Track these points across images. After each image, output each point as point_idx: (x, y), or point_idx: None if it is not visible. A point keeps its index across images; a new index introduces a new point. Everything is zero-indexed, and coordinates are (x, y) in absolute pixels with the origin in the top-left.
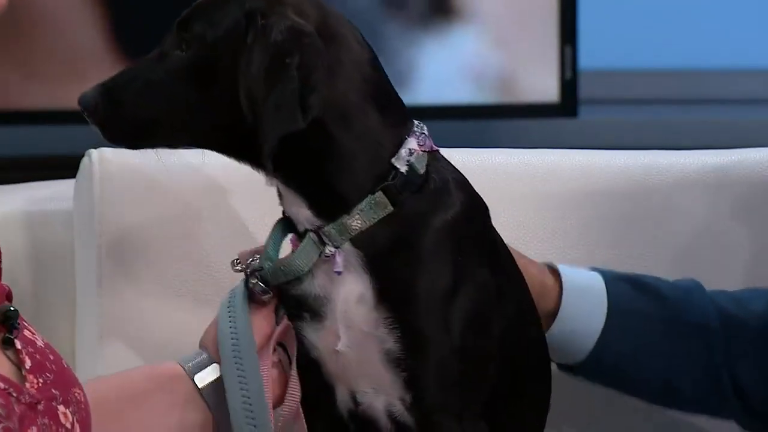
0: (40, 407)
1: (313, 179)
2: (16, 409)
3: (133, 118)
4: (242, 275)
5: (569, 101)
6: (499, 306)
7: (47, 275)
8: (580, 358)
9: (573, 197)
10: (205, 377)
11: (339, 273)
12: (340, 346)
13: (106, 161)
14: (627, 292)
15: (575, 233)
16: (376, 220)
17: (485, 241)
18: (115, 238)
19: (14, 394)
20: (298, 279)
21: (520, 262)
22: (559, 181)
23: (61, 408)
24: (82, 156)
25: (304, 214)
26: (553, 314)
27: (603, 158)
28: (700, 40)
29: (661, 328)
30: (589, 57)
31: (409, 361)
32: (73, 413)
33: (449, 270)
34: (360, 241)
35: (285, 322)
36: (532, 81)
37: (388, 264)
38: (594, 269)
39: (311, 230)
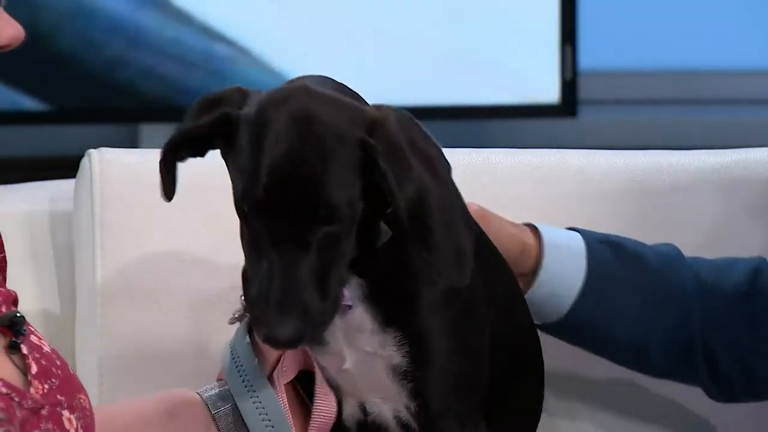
0: (43, 412)
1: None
2: (17, 413)
3: (332, 300)
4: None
5: (569, 101)
6: (487, 301)
7: (47, 275)
8: (556, 317)
9: (573, 197)
10: (220, 406)
11: (350, 307)
12: (346, 365)
13: (106, 161)
14: (607, 254)
15: None
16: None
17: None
18: (114, 238)
19: (16, 399)
20: None
21: (498, 223)
22: (558, 182)
23: (66, 413)
24: (82, 156)
25: None
26: (533, 273)
27: (603, 158)
28: (700, 40)
29: (639, 293)
30: (589, 57)
31: (416, 373)
32: (78, 419)
33: None
34: (361, 269)
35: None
36: (532, 81)
37: (386, 285)
38: (574, 229)
39: None
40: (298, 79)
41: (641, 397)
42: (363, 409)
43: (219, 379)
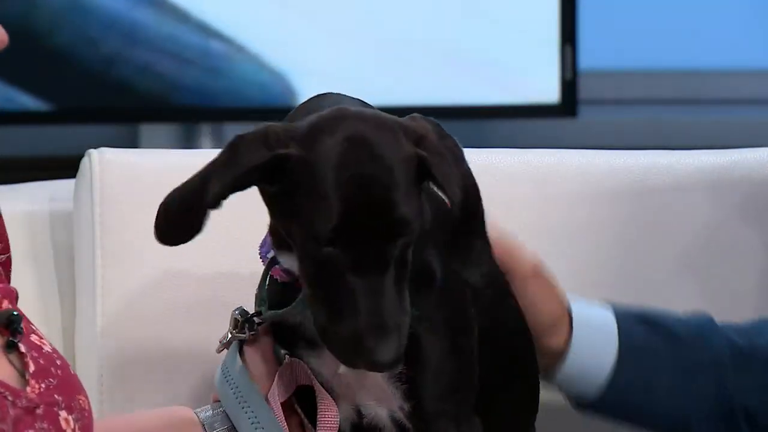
0: (38, 411)
1: None
2: (10, 412)
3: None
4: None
5: (569, 101)
6: (474, 301)
7: (47, 275)
8: (590, 395)
9: (573, 197)
10: (216, 427)
11: None
12: (341, 369)
13: (106, 161)
14: (638, 328)
15: (575, 233)
16: None
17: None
18: (115, 238)
19: (10, 398)
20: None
21: (543, 290)
22: (559, 182)
23: (63, 414)
24: (82, 156)
25: None
26: (564, 351)
27: (603, 158)
28: (700, 40)
29: (673, 367)
30: (589, 57)
31: (411, 374)
32: (75, 420)
33: (437, 277)
34: None
35: (288, 362)
36: (532, 81)
37: None
38: (605, 303)
39: None
40: (318, 98)
41: None
42: (358, 412)
43: (215, 401)
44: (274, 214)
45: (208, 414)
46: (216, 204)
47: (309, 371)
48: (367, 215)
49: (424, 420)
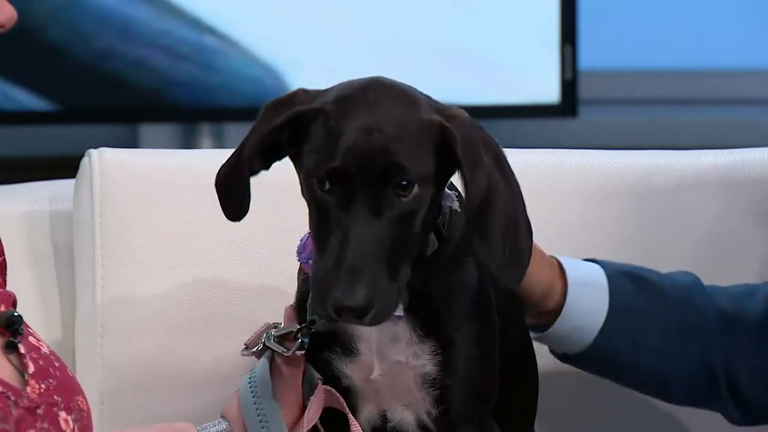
0: (39, 411)
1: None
2: (13, 412)
3: (399, 285)
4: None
5: (569, 101)
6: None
7: (47, 275)
8: (576, 350)
9: (573, 197)
10: None
11: (400, 317)
12: (374, 375)
13: (106, 161)
14: (628, 288)
15: (575, 234)
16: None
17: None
18: (114, 238)
19: (12, 398)
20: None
21: (535, 260)
22: (558, 182)
23: (63, 414)
24: (82, 156)
25: None
26: (557, 308)
27: (603, 158)
28: (700, 40)
29: (661, 327)
30: (589, 57)
31: (445, 381)
32: (74, 420)
33: (474, 286)
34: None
35: (320, 390)
36: (532, 81)
37: (423, 296)
38: (595, 261)
39: None
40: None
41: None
42: (383, 416)
43: (222, 416)
44: (299, 177)
45: (213, 430)
46: (253, 167)
47: (342, 401)
48: (363, 158)
49: (450, 425)
